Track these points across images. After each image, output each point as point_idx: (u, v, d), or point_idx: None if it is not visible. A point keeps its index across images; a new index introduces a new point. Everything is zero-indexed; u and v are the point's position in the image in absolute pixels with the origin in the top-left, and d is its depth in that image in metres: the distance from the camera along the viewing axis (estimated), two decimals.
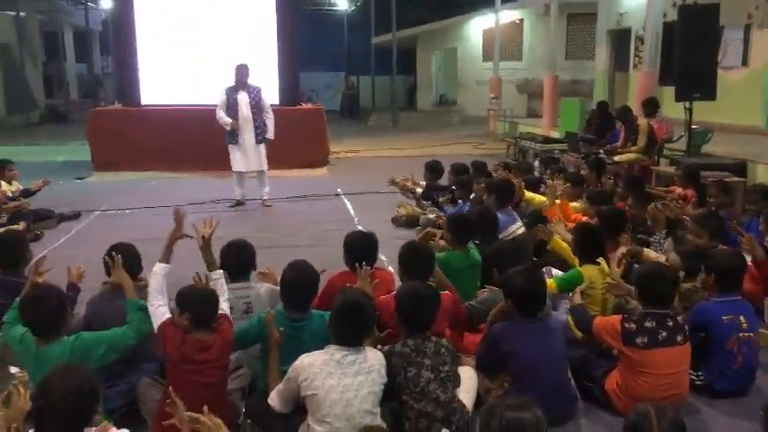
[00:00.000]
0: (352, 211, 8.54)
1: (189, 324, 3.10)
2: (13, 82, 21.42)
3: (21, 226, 6.58)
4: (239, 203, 8.78)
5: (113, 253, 3.60)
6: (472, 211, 5.10)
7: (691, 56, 8.87)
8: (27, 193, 7.43)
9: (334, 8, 27.48)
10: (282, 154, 10.72)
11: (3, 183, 7.40)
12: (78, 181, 10.87)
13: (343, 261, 4.08)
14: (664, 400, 3.34)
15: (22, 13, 21.41)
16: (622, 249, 4.07)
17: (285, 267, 3.53)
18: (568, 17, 20.60)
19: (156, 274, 3.37)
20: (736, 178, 7.95)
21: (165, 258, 3.48)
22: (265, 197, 8.86)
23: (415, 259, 3.83)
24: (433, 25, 24.30)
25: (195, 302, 3.12)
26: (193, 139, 11.29)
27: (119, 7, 12.36)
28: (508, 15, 21.63)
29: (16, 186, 7.58)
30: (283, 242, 6.90)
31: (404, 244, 4.06)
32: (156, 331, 3.21)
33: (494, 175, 6.87)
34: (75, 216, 8.07)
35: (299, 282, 3.42)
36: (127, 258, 3.62)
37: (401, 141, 16.58)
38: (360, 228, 7.39)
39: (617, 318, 3.46)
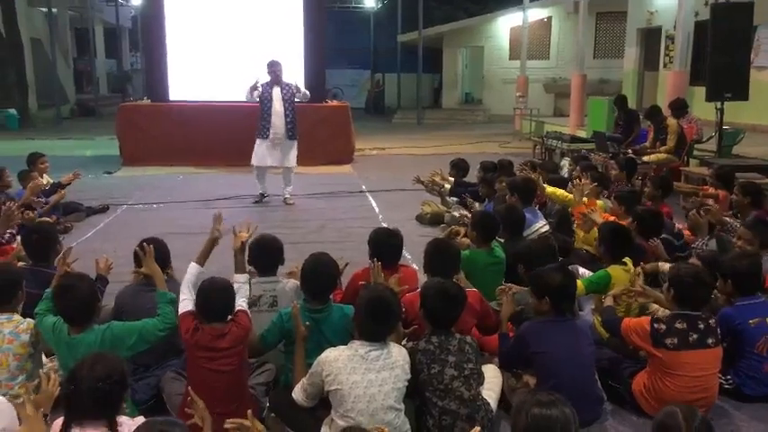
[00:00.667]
0: (376, 209, 8.54)
1: (205, 316, 3.17)
2: (45, 77, 21.79)
3: (51, 218, 6.68)
4: (262, 197, 8.82)
5: (145, 244, 3.61)
6: (498, 209, 5.05)
7: (723, 55, 8.73)
8: (58, 187, 7.53)
9: (361, 6, 27.51)
10: (308, 151, 10.72)
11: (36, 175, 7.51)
12: (107, 175, 11.01)
13: (366, 257, 4.08)
14: (692, 403, 3.30)
15: (53, 10, 21.75)
16: (619, 289, 3.96)
17: (306, 259, 3.54)
18: (597, 15, 20.41)
19: (189, 273, 3.40)
20: (767, 180, 7.79)
21: (201, 260, 3.49)
22: (287, 195, 8.87)
23: (440, 256, 3.83)
24: (460, 23, 24.18)
25: (208, 297, 3.16)
26: (220, 135, 11.40)
27: (149, 4, 12.52)
28: (536, 14, 21.48)
29: (47, 179, 7.70)
30: (307, 238, 6.92)
31: (429, 241, 4.05)
32: (179, 319, 3.25)
33: (517, 174, 6.81)
34: (104, 209, 8.18)
35: (318, 271, 3.44)
36: (157, 252, 3.65)
37: (426, 139, 16.56)
38: (384, 225, 7.39)
39: (646, 318, 3.42)
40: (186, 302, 3.28)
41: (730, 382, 3.59)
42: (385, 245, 4.01)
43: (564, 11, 21.91)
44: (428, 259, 3.84)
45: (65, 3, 24.64)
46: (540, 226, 5.36)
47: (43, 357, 3.54)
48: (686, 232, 5.45)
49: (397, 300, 3.14)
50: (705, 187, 6.99)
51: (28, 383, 3.03)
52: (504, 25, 23.18)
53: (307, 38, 12.31)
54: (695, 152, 9.62)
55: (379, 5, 27.26)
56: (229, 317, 3.22)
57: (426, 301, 3.13)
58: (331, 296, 3.53)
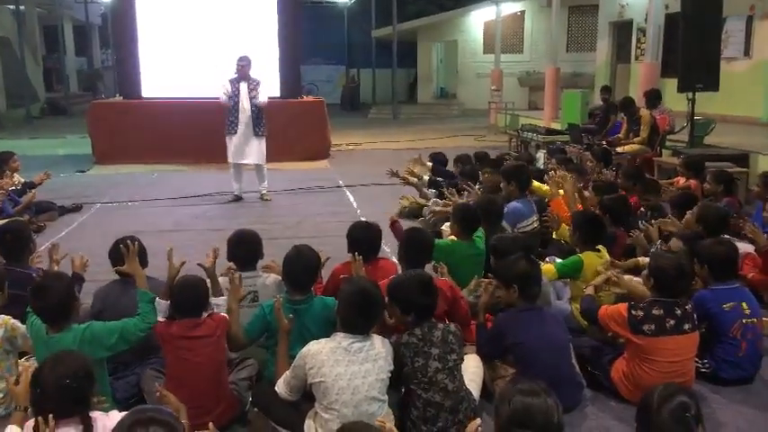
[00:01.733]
0: (354, 203, 8.53)
1: (179, 312, 3.19)
2: (14, 76, 21.39)
3: (23, 218, 6.56)
4: (237, 199, 8.71)
5: (128, 242, 3.57)
6: (478, 200, 5.07)
7: (694, 47, 8.85)
8: (30, 186, 7.42)
9: (335, 1, 27.39)
10: (284, 146, 10.73)
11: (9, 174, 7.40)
12: (79, 174, 10.85)
13: (344, 251, 4.07)
14: None
15: (21, 7, 21.36)
16: (600, 278, 4.00)
17: (289, 251, 3.53)
18: (570, 9, 20.56)
19: (159, 312, 3.33)
20: (738, 169, 7.94)
21: (166, 296, 3.40)
22: (264, 191, 8.81)
23: (414, 246, 3.83)
24: (434, 18, 24.20)
25: (181, 294, 3.18)
26: (194, 132, 11.27)
27: (120, 0, 12.30)
28: (509, 7, 21.60)
29: (18, 179, 7.57)
30: (284, 234, 6.89)
31: (405, 230, 4.05)
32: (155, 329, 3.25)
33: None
34: (77, 208, 8.06)
35: (298, 262, 3.44)
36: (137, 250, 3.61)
37: (402, 134, 16.56)
38: (363, 219, 7.38)
39: (624, 305, 3.46)
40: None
41: (707, 365, 3.65)
42: (363, 238, 4.01)
43: (537, 4, 22.03)
44: (402, 249, 3.85)
45: (33, 0, 24.19)
46: (534, 220, 5.38)
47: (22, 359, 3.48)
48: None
49: (380, 292, 3.14)
50: (676, 179, 7.10)
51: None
52: (477, 19, 23.25)
53: (281, 33, 12.22)
54: (668, 143, 9.75)
55: (353, 0, 27.17)
56: (204, 314, 3.21)
57: (396, 294, 3.13)
58: (312, 288, 3.52)
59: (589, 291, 3.80)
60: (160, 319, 3.28)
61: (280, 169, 10.30)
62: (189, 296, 3.17)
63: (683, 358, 3.37)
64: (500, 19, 18.97)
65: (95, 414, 2.47)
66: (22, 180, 7.62)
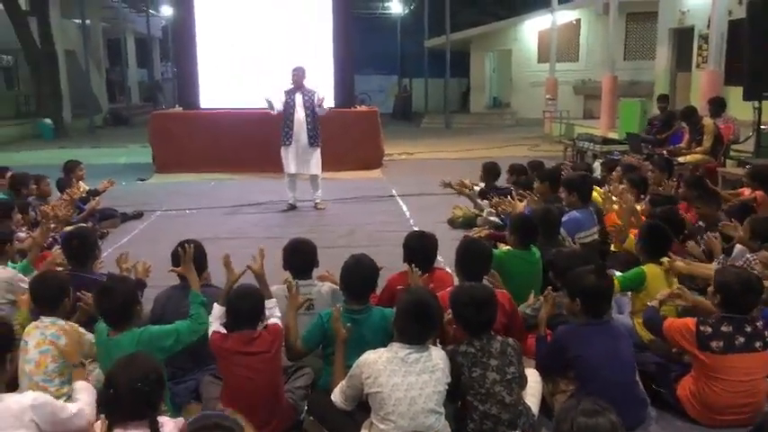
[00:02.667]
0: (407, 213, 8.51)
1: (235, 323, 3.19)
2: (78, 87, 22.23)
3: (87, 225, 6.77)
4: (292, 207, 8.80)
5: (186, 245, 3.64)
6: (534, 211, 4.98)
7: (760, 54, 8.53)
8: (94, 194, 7.65)
9: (388, 12, 27.59)
10: (337, 155, 10.80)
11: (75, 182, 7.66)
12: (140, 182, 11.17)
13: (398, 261, 4.05)
14: (739, 408, 3.23)
15: (87, 21, 22.18)
16: (666, 292, 3.84)
17: (346, 260, 3.53)
18: (627, 16, 20.14)
19: (213, 315, 3.35)
20: None
21: (223, 301, 3.40)
22: (318, 200, 8.88)
23: (470, 257, 3.79)
24: (487, 27, 24.06)
25: (237, 304, 3.19)
26: (250, 142, 11.48)
27: (180, 14, 12.69)
28: (565, 16, 21.30)
29: (83, 187, 7.82)
30: (338, 243, 6.92)
31: (461, 241, 4.01)
32: (210, 337, 3.26)
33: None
34: (138, 216, 8.29)
35: (357, 272, 3.45)
36: (195, 254, 3.67)
37: (455, 144, 16.50)
38: (416, 229, 7.35)
39: (691, 320, 3.33)
40: (212, 328, 3.29)
41: None
42: (419, 248, 3.99)
43: (593, 12, 21.66)
44: (459, 260, 3.81)
45: (98, 14, 25.11)
46: (595, 231, 5.25)
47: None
48: None
49: (438, 302, 3.11)
50: (741, 190, 6.84)
51: None
52: (531, 28, 23.02)
53: (335, 44, 12.37)
54: (732, 153, 9.42)
55: (406, 11, 27.29)
56: (260, 325, 3.22)
57: (456, 309, 3.09)
58: (369, 298, 3.51)
59: (654, 304, 3.67)
60: (216, 326, 3.28)
61: (333, 178, 10.37)
62: (245, 307, 3.18)
63: (753, 377, 3.22)
64: (555, 27, 18.70)
65: (163, 419, 2.51)
66: (87, 188, 7.87)
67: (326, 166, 9.16)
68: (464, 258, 3.76)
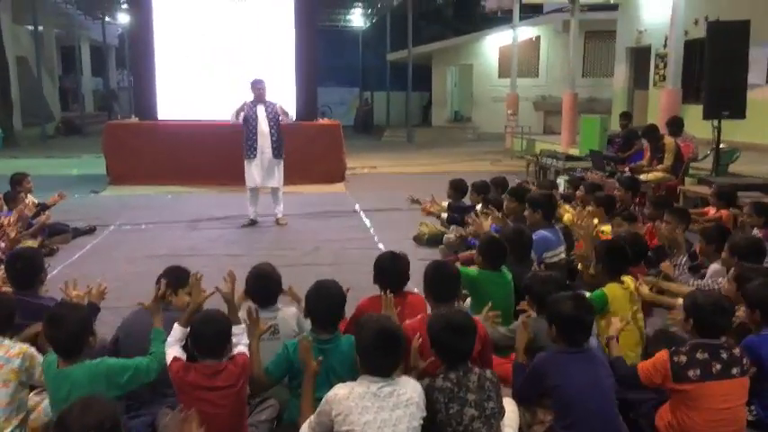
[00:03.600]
0: (371, 229, 8.35)
1: (199, 351, 2.98)
2: (30, 95, 21.52)
3: (35, 242, 6.43)
4: (253, 223, 8.57)
5: (162, 280, 3.50)
6: (505, 231, 4.87)
7: (719, 73, 8.68)
8: (43, 208, 7.30)
9: (350, 25, 27.55)
10: (299, 169, 10.62)
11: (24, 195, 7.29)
12: (93, 194, 10.77)
13: (365, 281, 3.90)
14: None
15: (40, 28, 21.54)
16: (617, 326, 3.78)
17: (311, 287, 3.35)
18: (586, 34, 20.51)
19: (173, 337, 3.15)
20: None
21: (184, 323, 3.21)
22: (279, 215, 8.65)
23: (440, 279, 3.63)
24: (449, 42, 24.25)
25: (202, 333, 2.97)
26: (209, 155, 11.24)
27: (138, 22, 12.35)
28: (525, 32, 21.57)
29: (31, 200, 7.46)
30: (302, 261, 6.72)
31: (428, 264, 3.86)
32: (169, 367, 3.04)
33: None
34: (91, 231, 7.94)
35: (324, 300, 3.26)
36: (179, 275, 3.56)
37: (417, 158, 16.46)
38: (381, 246, 7.22)
39: (663, 353, 3.22)
40: (168, 354, 3.07)
41: (754, 413, 3.42)
42: (391, 270, 3.83)
43: (553, 30, 22.02)
44: (428, 283, 3.65)
45: (51, 21, 24.42)
46: (562, 250, 5.19)
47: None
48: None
49: (401, 331, 2.96)
50: (707, 209, 6.89)
51: None
52: (492, 44, 23.25)
53: (298, 56, 12.21)
54: (691, 171, 9.54)
55: (368, 25, 27.30)
56: (225, 355, 3.01)
57: (436, 337, 2.93)
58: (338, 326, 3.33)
59: (614, 349, 3.51)
60: (175, 350, 3.05)
61: (295, 192, 10.17)
62: (210, 334, 2.96)
63: (732, 405, 3.14)
64: (516, 43, 18.88)
65: None
66: (36, 201, 7.51)
67: (288, 179, 8.97)
68: (433, 281, 3.61)
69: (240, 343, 3.14)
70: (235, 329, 3.18)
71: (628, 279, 4.04)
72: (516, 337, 3.45)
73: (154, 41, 11.97)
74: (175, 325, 3.18)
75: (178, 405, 3.14)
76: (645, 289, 4.40)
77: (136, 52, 12.62)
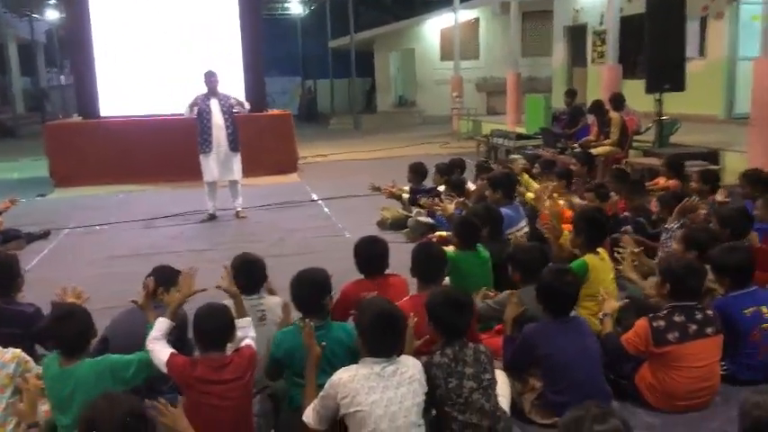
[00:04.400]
0: (333, 217, 8.38)
1: (202, 345, 2.98)
2: None
3: None
4: (212, 217, 8.47)
5: (150, 278, 3.47)
6: (475, 209, 4.99)
7: (659, 49, 9.02)
8: None
9: (287, 13, 27.23)
10: (252, 161, 10.45)
11: None
12: (41, 198, 10.42)
13: (338, 267, 3.92)
14: (697, 393, 3.35)
15: None
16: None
17: (294, 276, 3.38)
18: (524, 15, 20.73)
19: (157, 329, 3.10)
20: (712, 166, 8.09)
21: (171, 316, 3.18)
22: (239, 208, 8.58)
23: (429, 260, 3.74)
24: (390, 27, 24.26)
25: (207, 324, 2.96)
26: (159, 150, 11.03)
27: (74, 17, 11.92)
28: (464, 15, 21.72)
29: None
30: (270, 252, 6.61)
31: (416, 245, 3.95)
32: (166, 367, 2.99)
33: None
34: (45, 235, 7.71)
35: (310, 287, 3.28)
36: (166, 273, 3.53)
37: (365, 144, 16.48)
38: (347, 234, 7.26)
39: (643, 321, 3.39)
40: (161, 350, 3.02)
41: (725, 368, 3.63)
42: (371, 254, 3.91)
43: (490, 11, 22.28)
44: (417, 264, 3.74)
45: None
46: (524, 225, 5.35)
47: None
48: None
49: (401, 311, 3.03)
50: (657, 180, 7.18)
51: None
52: (433, 27, 23.37)
53: (245, 47, 12.06)
54: (635, 143, 9.90)
55: (306, 12, 27.04)
56: (230, 347, 3.01)
57: (435, 312, 3.02)
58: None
59: (607, 325, 3.60)
60: (161, 346, 3.02)
61: (251, 185, 10.06)
62: (213, 326, 2.95)
63: (708, 362, 3.35)
64: (458, 26, 19.05)
65: None
66: None
67: (243, 171, 8.88)
68: (423, 262, 3.70)
69: (247, 336, 3.14)
70: (241, 322, 3.18)
71: (602, 251, 4.20)
72: (506, 311, 3.55)
73: (92, 37, 11.60)
74: (161, 318, 3.15)
75: (178, 400, 3.14)
76: (627, 270, 4.34)
77: (74, 50, 12.21)
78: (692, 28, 13.00)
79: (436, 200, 5.96)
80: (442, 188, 6.90)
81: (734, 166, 8.33)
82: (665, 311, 3.41)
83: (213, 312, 2.98)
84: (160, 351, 3.02)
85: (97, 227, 8.30)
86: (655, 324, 3.34)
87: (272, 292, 3.99)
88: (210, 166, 8.29)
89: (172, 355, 3.00)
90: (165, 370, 2.98)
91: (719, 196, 5.51)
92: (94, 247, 7.26)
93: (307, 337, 2.99)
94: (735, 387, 3.60)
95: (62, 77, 29.29)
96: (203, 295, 3.33)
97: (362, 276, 3.94)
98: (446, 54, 22.43)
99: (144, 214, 8.80)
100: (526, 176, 6.09)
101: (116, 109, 11.80)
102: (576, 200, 5.71)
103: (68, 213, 9.04)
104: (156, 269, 3.63)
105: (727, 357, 3.62)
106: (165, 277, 3.50)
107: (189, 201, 9.20)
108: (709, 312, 3.40)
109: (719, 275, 3.73)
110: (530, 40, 21.87)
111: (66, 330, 2.89)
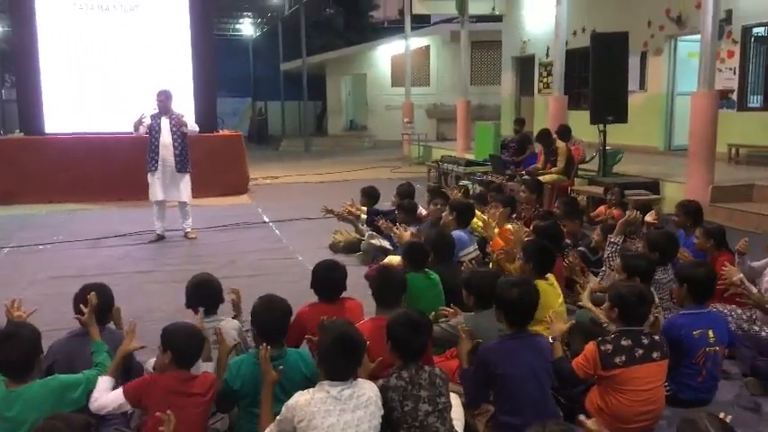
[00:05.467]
0: (284, 240, 8.34)
1: (170, 363, 2.95)
2: None
3: None
4: (160, 238, 8.33)
5: (93, 293, 3.36)
6: (427, 233, 5.07)
7: (603, 81, 9.39)
8: None
9: (239, 34, 27.21)
10: (203, 181, 10.37)
11: None
12: None
13: (289, 290, 3.95)
14: (642, 415, 3.45)
15: None
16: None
17: (256, 302, 3.37)
18: (473, 44, 21.27)
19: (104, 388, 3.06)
20: (652, 195, 8.42)
21: (113, 373, 3.13)
22: (188, 229, 8.47)
23: (389, 285, 3.77)
24: (343, 51, 24.51)
25: (180, 341, 2.96)
26: (106, 169, 10.86)
27: (20, 33, 11.63)
28: (415, 42, 22.16)
29: None
30: (221, 273, 6.38)
31: (375, 269, 4.00)
32: (125, 397, 2.96)
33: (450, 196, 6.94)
34: None
35: (270, 315, 3.27)
36: (101, 298, 3.41)
37: (316, 167, 16.52)
38: (299, 257, 7.25)
39: (591, 344, 3.48)
40: (112, 396, 2.98)
41: (668, 388, 3.76)
42: (330, 279, 3.92)
43: (441, 40, 22.78)
44: (378, 288, 3.77)
45: None
46: (473, 249, 5.44)
47: None
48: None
49: (360, 334, 3.06)
50: (600, 209, 7.41)
51: None
52: (384, 53, 23.74)
53: (196, 67, 11.99)
54: (580, 172, 10.23)
55: (258, 33, 27.07)
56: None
57: (395, 333, 3.05)
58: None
59: (557, 350, 3.62)
60: (102, 399, 2.98)
61: (201, 205, 9.95)
62: (188, 346, 2.98)
63: (654, 386, 3.45)
64: (409, 53, 19.37)
65: None
66: None
67: (192, 192, 8.77)
68: (383, 287, 3.73)
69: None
70: (202, 365, 3.19)
71: (550, 276, 4.32)
72: (459, 345, 3.57)
73: (38, 53, 11.35)
74: (102, 377, 3.08)
75: (126, 426, 3.08)
76: (586, 298, 4.49)
77: (18, 63, 11.91)
78: (633, 63, 13.61)
79: (395, 225, 6.00)
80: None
81: (673, 195, 8.70)
82: (612, 335, 3.51)
83: (190, 333, 3.00)
84: (112, 398, 2.99)
85: (40, 246, 8.05)
86: (603, 348, 3.44)
87: (238, 309, 3.99)
88: (156, 185, 8.15)
89: (123, 387, 2.98)
90: (127, 406, 2.98)
91: (649, 217, 5.73)
92: (37, 267, 7.04)
93: (263, 362, 2.98)
94: (678, 409, 3.74)
95: (2, 92, 28.40)
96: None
97: (317, 299, 3.96)
98: (397, 80, 22.76)
99: (89, 234, 8.58)
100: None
101: (61, 126, 11.54)
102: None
103: (9, 231, 8.75)
104: (86, 287, 3.53)
105: (669, 376, 3.75)
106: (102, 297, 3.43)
107: (136, 220, 9.03)
108: (656, 337, 3.52)
109: (681, 287, 3.89)
110: (479, 69, 22.45)
111: (10, 353, 2.81)
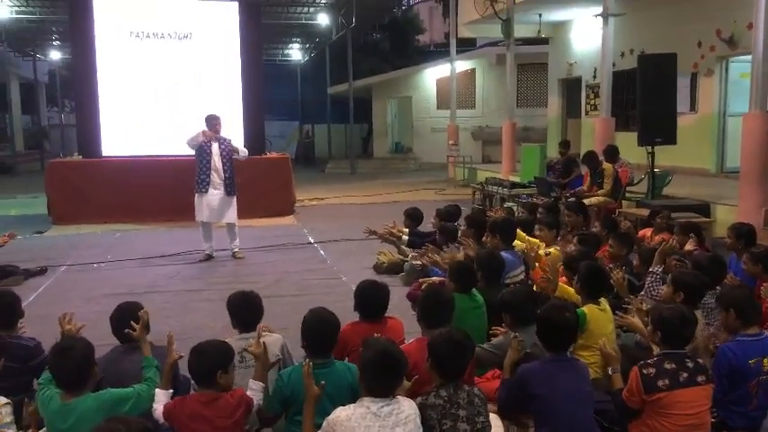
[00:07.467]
0: (328, 260, 8.44)
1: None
2: None
3: None
4: (209, 258, 8.52)
5: (144, 311, 3.52)
6: (478, 254, 5.07)
7: (651, 103, 9.27)
8: None
9: (288, 59, 27.82)
10: (250, 203, 10.63)
11: None
12: (38, 235, 10.46)
13: (334, 309, 3.92)
14: None
15: None
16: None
17: (306, 315, 3.44)
18: (519, 67, 21.29)
19: (158, 401, 3.17)
20: (703, 218, 8.23)
21: (166, 385, 3.25)
22: (236, 249, 8.67)
23: (437, 305, 3.79)
24: (388, 75, 24.78)
25: (193, 362, 3.05)
26: (158, 191, 11.15)
27: (80, 57, 12.14)
28: (461, 65, 22.24)
29: None
30: (266, 292, 6.54)
31: (424, 289, 4.05)
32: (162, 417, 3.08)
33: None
34: (42, 272, 7.75)
35: (319, 326, 3.35)
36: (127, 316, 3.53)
37: (362, 188, 16.67)
38: (343, 277, 7.33)
39: (634, 370, 3.43)
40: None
41: (715, 414, 3.67)
42: (372, 298, 3.97)
43: (487, 63, 22.82)
44: (425, 308, 3.79)
45: None
46: (520, 271, 5.42)
47: None
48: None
49: (402, 352, 3.09)
50: (643, 232, 7.26)
51: None
52: (430, 77, 23.89)
53: (246, 90, 12.31)
54: (627, 194, 10.07)
55: (306, 58, 27.62)
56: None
57: (438, 352, 3.07)
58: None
59: (616, 381, 3.56)
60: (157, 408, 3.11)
61: (247, 226, 10.15)
62: (208, 360, 3.04)
63: (699, 410, 3.37)
64: (455, 75, 19.47)
65: None
66: None
67: (240, 213, 8.98)
68: (432, 307, 3.75)
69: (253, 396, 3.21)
70: (252, 384, 3.26)
71: (603, 300, 4.26)
72: (507, 355, 3.58)
73: (97, 79, 11.83)
74: (161, 391, 3.20)
75: None
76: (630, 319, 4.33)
77: (78, 89, 12.43)
78: (683, 84, 13.39)
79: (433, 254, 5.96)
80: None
81: (725, 218, 8.49)
82: (655, 359, 3.45)
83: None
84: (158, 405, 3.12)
85: (94, 264, 8.34)
86: (645, 371, 3.38)
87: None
88: (203, 206, 8.37)
89: (164, 405, 3.08)
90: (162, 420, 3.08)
91: (689, 246, 5.63)
92: (92, 285, 7.29)
93: (306, 377, 3.04)
94: None
95: (62, 116, 29.61)
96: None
97: (359, 318, 4.01)
98: (442, 102, 22.86)
99: (139, 253, 8.85)
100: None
101: (116, 149, 11.96)
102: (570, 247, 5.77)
103: (65, 251, 9.08)
104: (120, 306, 3.67)
105: (718, 403, 3.66)
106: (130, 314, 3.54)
107: (185, 241, 9.27)
108: (700, 361, 3.45)
109: (728, 312, 3.77)
110: (525, 91, 22.37)
111: (66, 366, 2.92)
